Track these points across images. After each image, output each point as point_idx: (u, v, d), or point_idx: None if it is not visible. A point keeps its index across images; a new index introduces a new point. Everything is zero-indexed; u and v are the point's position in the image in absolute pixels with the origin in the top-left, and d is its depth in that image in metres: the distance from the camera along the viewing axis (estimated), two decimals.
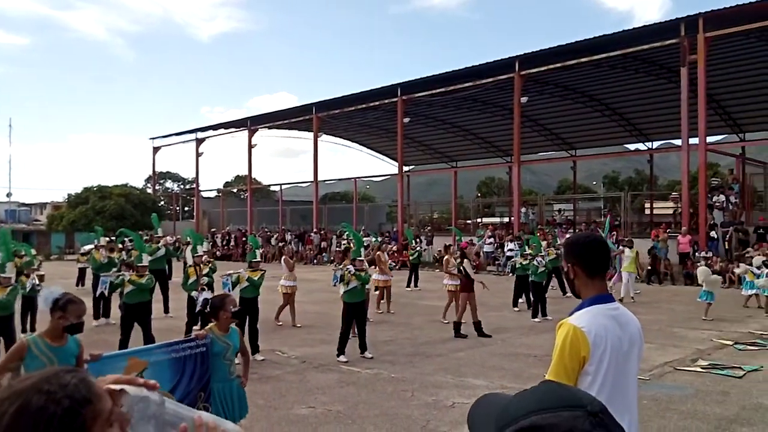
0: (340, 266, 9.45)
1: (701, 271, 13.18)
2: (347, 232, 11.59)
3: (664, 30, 20.58)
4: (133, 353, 4.54)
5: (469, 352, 9.40)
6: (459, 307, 11.02)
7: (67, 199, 38.97)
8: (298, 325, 11.70)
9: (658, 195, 36.62)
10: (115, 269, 12.24)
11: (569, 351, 2.25)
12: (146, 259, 9.87)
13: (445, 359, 8.89)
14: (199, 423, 1.03)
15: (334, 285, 9.61)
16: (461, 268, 11.10)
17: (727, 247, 19.99)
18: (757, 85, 26.20)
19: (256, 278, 9.45)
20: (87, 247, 18.57)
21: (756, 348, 9.52)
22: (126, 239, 16.69)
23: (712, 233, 20.22)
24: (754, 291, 13.74)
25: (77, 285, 18.41)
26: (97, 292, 12.02)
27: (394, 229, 31.86)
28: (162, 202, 48.83)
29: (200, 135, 40.55)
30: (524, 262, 13.64)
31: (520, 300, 13.99)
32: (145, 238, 17.89)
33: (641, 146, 35.29)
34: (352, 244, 10.32)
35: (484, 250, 24.68)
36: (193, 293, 10.05)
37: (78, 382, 0.93)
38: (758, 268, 13.83)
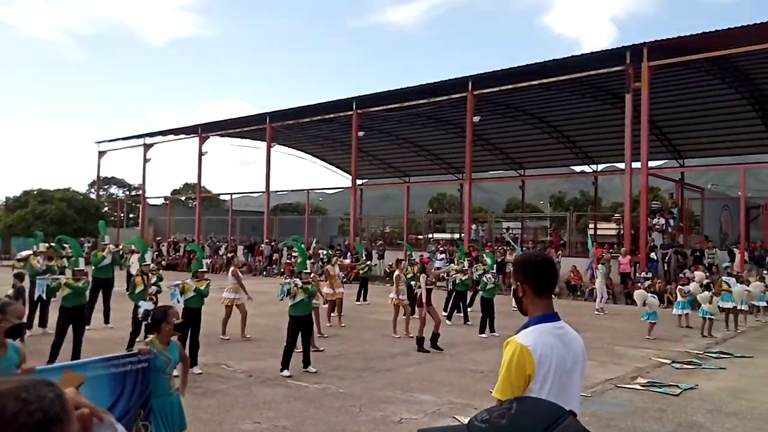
0: (287, 280, 9.39)
1: (638, 294, 13.79)
2: (295, 246, 11.50)
3: (610, 57, 21.37)
4: (69, 367, 4.29)
5: (417, 367, 9.45)
6: (420, 321, 11.07)
7: (5, 203, 37.30)
8: (248, 336, 11.56)
9: (601, 216, 37.84)
10: (51, 275, 11.81)
11: (515, 369, 2.30)
12: (82, 263, 9.98)
13: (394, 374, 8.90)
14: None
15: (281, 299, 9.54)
16: (417, 280, 11.30)
17: (666, 268, 20.77)
18: (696, 113, 27.51)
19: (202, 288, 9.29)
20: (24, 253, 17.71)
21: (692, 367, 9.92)
22: (65, 246, 16.09)
23: (652, 255, 21.00)
24: (686, 311, 14.45)
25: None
26: (35, 296, 11.52)
27: (345, 243, 31.79)
28: (106, 208, 47.29)
29: (148, 140, 39.51)
30: (463, 278, 14.31)
31: (456, 313, 14.55)
32: (87, 244, 17.34)
33: (587, 168, 36.50)
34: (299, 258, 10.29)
35: (435, 266, 24.85)
36: (141, 303, 9.81)
37: (54, 398, 0.93)
38: (702, 286, 14.60)
